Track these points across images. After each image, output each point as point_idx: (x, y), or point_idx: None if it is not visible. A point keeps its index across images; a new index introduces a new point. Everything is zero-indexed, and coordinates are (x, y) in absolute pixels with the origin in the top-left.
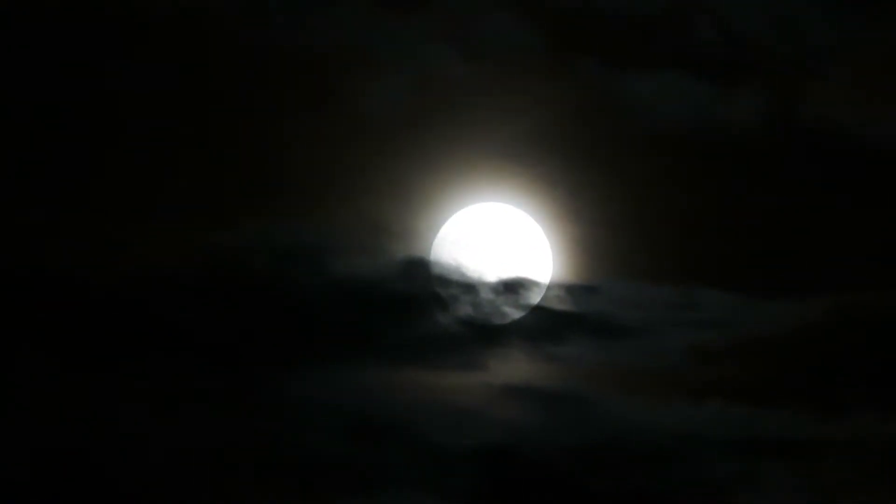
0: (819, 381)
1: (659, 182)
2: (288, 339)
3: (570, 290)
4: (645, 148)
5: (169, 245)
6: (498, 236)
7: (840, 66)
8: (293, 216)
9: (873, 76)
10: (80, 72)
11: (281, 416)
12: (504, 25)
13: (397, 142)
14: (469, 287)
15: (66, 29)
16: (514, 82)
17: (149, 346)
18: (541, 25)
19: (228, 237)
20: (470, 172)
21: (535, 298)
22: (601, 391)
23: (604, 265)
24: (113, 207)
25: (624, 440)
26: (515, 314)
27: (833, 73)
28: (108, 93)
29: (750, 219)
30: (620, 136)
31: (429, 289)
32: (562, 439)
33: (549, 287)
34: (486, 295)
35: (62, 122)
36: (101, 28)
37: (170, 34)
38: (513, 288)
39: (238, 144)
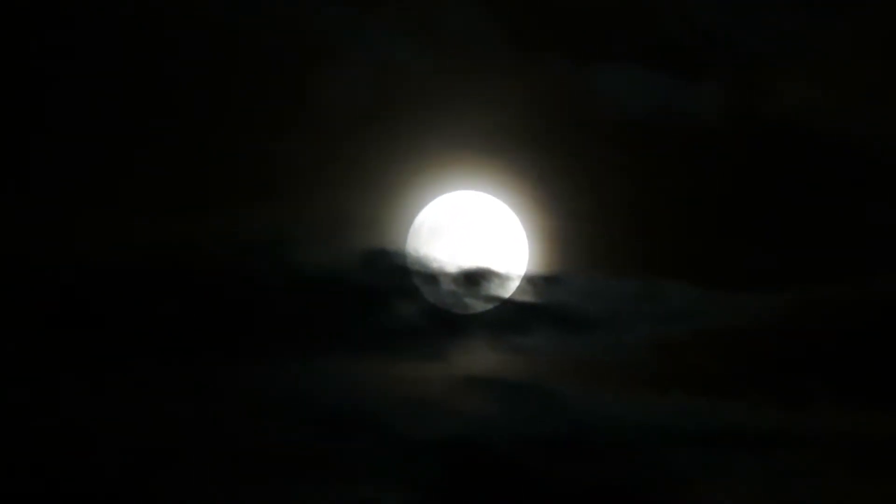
0: (782, 373)
1: (623, 175)
2: (249, 330)
3: (533, 281)
4: (610, 141)
5: (130, 237)
6: (468, 226)
7: (803, 59)
8: (255, 208)
9: (836, 69)
10: (26, 55)
11: (242, 408)
12: (466, 18)
13: (361, 134)
14: (432, 278)
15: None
16: (477, 75)
17: (107, 339)
18: (503, 18)
19: (190, 229)
20: (438, 163)
21: (498, 289)
22: (564, 383)
23: (567, 256)
24: (71, 198)
25: (586, 431)
26: (478, 305)
27: (796, 66)
28: (63, 81)
29: (713, 211)
30: (585, 129)
31: (391, 280)
32: (524, 430)
33: (513, 278)
34: (448, 286)
35: (16, 111)
36: (49, 14)
37: (133, 26)
38: (476, 279)
39: (199, 136)
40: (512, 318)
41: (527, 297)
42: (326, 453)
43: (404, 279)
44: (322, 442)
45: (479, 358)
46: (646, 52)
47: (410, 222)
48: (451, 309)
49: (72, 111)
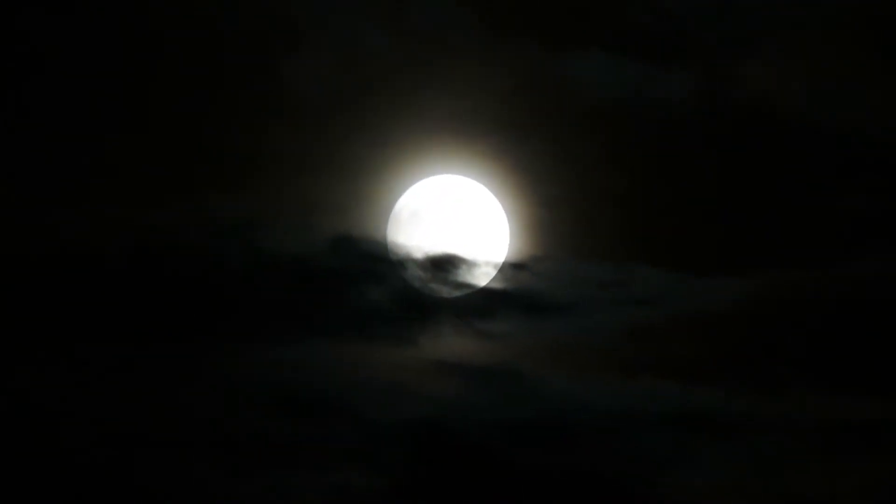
0: (753, 357)
1: (595, 160)
2: (218, 315)
3: (502, 266)
4: (582, 127)
5: (100, 223)
6: (447, 211)
7: (774, 43)
8: (225, 194)
9: (805, 56)
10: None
11: (211, 392)
12: (435, 4)
13: (332, 120)
14: (400, 263)
15: None
16: (447, 61)
17: (80, 325)
18: (473, 4)
19: (160, 215)
20: (416, 148)
21: (467, 275)
22: (534, 367)
23: (539, 241)
24: (41, 186)
25: (556, 416)
26: (448, 291)
27: (767, 51)
28: (32, 73)
29: (684, 196)
30: (558, 115)
31: (362, 265)
32: (494, 415)
33: (483, 264)
34: (418, 272)
35: None
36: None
37: (102, 14)
38: (445, 265)
39: (169, 122)
40: (482, 303)
41: (497, 283)
42: (297, 437)
43: (375, 264)
44: (292, 426)
45: (450, 343)
46: (616, 39)
47: (391, 207)
48: (420, 294)
49: (42, 103)
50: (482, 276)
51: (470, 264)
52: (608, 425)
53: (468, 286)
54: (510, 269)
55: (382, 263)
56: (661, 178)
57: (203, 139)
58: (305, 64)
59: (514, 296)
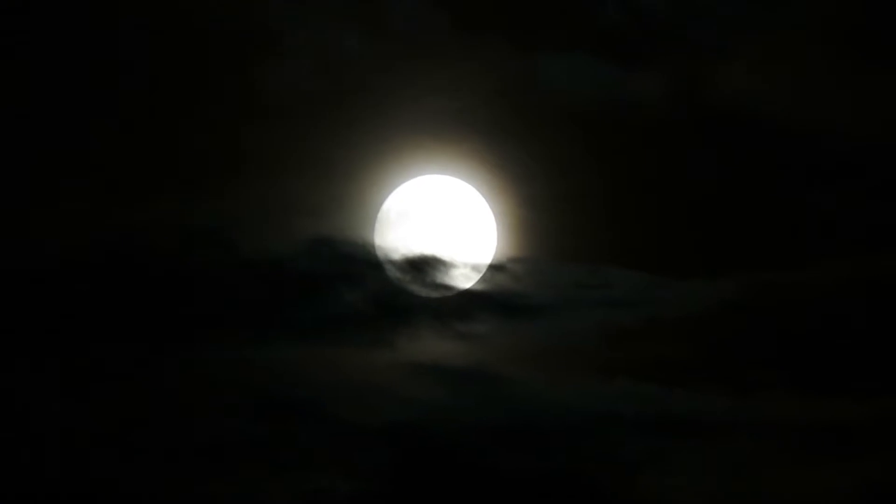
0: (728, 360)
1: (570, 162)
2: (195, 318)
3: (481, 268)
4: (557, 129)
5: (77, 225)
6: (431, 211)
7: (747, 45)
8: (202, 197)
9: (780, 56)
10: None
11: (188, 395)
12: (410, 6)
13: (311, 122)
14: (378, 265)
15: None
16: (423, 63)
17: (55, 326)
18: (447, 6)
19: (137, 216)
20: (396, 149)
21: (445, 277)
22: (511, 369)
23: (517, 242)
24: (20, 187)
25: (533, 418)
26: (425, 292)
27: (740, 52)
28: (7, 71)
29: (660, 198)
30: (536, 117)
31: (338, 267)
32: (471, 417)
33: (461, 265)
34: (395, 273)
35: None
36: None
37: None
38: (423, 266)
39: (147, 125)
40: (460, 304)
41: (475, 284)
42: (273, 440)
43: (353, 267)
44: (269, 429)
45: (427, 345)
46: (589, 41)
47: (372, 209)
48: (397, 296)
49: (19, 103)
50: (460, 278)
51: (448, 266)
52: (585, 427)
53: (446, 288)
54: (488, 270)
55: (360, 265)
56: (637, 179)
57: (181, 141)
58: (283, 67)
59: (493, 297)
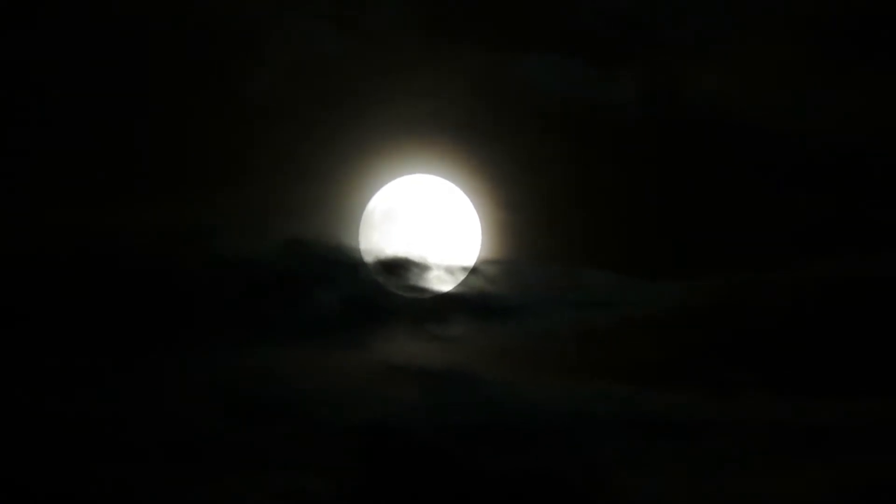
0: (702, 361)
1: (545, 163)
2: (169, 320)
3: (455, 269)
4: (532, 131)
5: (51, 230)
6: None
7: (722, 46)
8: (177, 199)
9: (756, 56)
10: None
11: (162, 396)
12: (387, 9)
13: (285, 125)
14: (354, 267)
15: None
16: (397, 65)
17: (26, 330)
18: (421, 7)
19: (112, 220)
20: (373, 153)
21: (420, 278)
22: (484, 370)
23: (492, 243)
24: None
25: (507, 419)
26: (398, 294)
27: (716, 55)
28: None
29: (635, 199)
30: (512, 118)
31: (313, 269)
32: (444, 418)
33: (436, 267)
34: (370, 275)
35: None
36: None
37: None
38: (398, 268)
39: (123, 129)
40: (435, 306)
41: (450, 286)
42: (248, 441)
43: (328, 268)
44: (243, 430)
45: (402, 346)
46: (563, 42)
47: (350, 211)
48: (371, 298)
49: None
50: (436, 280)
51: (423, 268)
52: (560, 428)
53: (421, 290)
54: (463, 272)
55: (336, 267)
56: (611, 181)
57: (158, 145)
58: (259, 70)
59: (467, 299)
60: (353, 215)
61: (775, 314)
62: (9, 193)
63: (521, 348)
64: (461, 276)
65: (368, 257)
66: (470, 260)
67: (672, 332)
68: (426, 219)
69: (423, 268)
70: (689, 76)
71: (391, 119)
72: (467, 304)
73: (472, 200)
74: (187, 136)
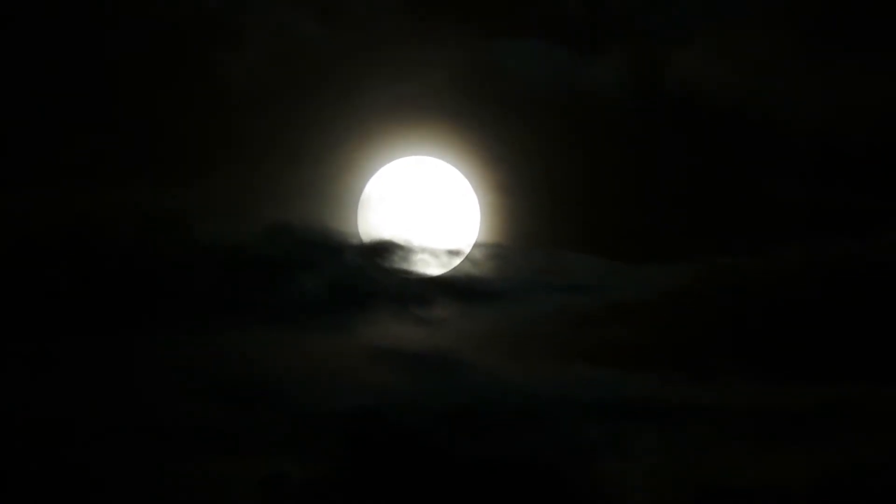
0: (687, 345)
1: (528, 148)
2: (151, 304)
3: (440, 253)
4: (515, 116)
5: (34, 212)
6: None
7: (704, 33)
8: (160, 183)
9: (738, 44)
10: None
11: (146, 380)
12: None
13: (266, 109)
14: (338, 250)
15: None
16: (381, 50)
17: (12, 312)
18: None
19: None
20: (353, 137)
21: (403, 262)
22: (470, 354)
23: (478, 227)
24: None
25: (492, 403)
26: (383, 278)
27: (698, 40)
28: None
29: (619, 184)
30: (491, 104)
31: (296, 253)
32: (429, 402)
33: (419, 250)
34: (353, 258)
35: None
36: None
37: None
38: (382, 251)
39: (107, 112)
40: (417, 290)
41: (434, 269)
42: (231, 426)
43: (311, 252)
44: (227, 415)
45: (387, 330)
46: (547, 27)
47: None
48: (356, 282)
49: None
50: (421, 263)
51: (408, 251)
52: (544, 411)
53: (406, 273)
54: (447, 255)
55: (320, 250)
56: (594, 165)
57: (143, 128)
58: (241, 53)
59: (453, 283)
60: (344, 199)
61: (758, 299)
62: None
63: (505, 332)
64: (447, 260)
65: (357, 240)
66: (456, 243)
67: (658, 316)
68: (422, 201)
69: (408, 251)
70: (671, 62)
71: (375, 103)
72: (452, 287)
73: (470, 182)
74: (169, 122)
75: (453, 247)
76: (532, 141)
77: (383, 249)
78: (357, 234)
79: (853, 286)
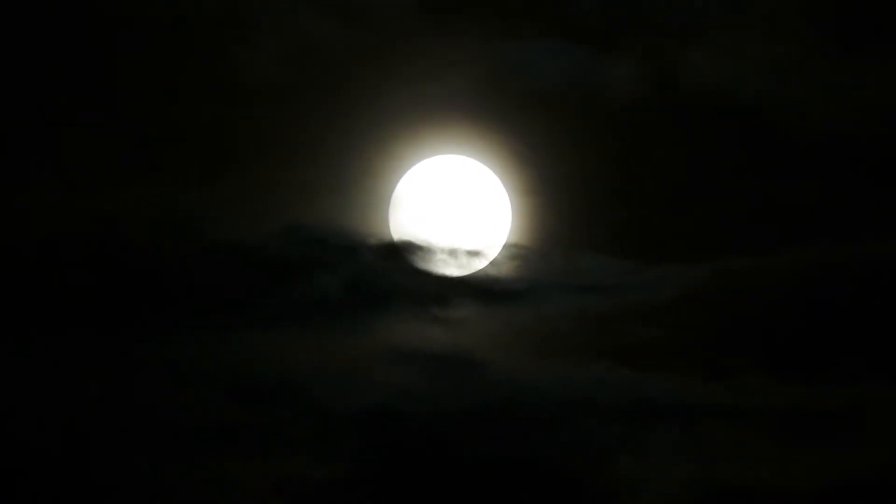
0: (703, 346)
1: (545, 149)
2: (169, 304)
3: (458, 253)
4: (531, 116)
5: (47, 212)
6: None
7: (718, 32)
8: (175, 183)
9: (753, 41)
10: None
11: (163, 381)
12: None
13: (284, 109)
14: (354, 250)
15: None
16: (399, 50)
17: (25, 313)
18: None
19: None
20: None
21: (423, 262)
22: (487, 355)
23: (504, 228)
24: None
25: (509, 404)
26: (403, 278)
27: (711, 39)
28: None
29: (634, 184)
30: (508, 104)
31: (314, 252)
32: (448, 403)
33: (439, 250)
34: (372, 259)
35: None
36: None
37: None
38: (400, 252)
39: (120, 110)
40: (435, 290)
41: (452, 270)
42: (249, 426)
43: (329, 252)
44: (245, 415)
45: (405, 330)
46: (560, 26)
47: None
48: (374, 282)
49: None
50: (440, 264)
51: (427, 251)
52: (561, 412)
53: (424, 273)
54: (467, 256)
55: (337, 250)
56: (609, 165)
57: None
58: (257, 54)
59: (471, 283)
60: (374, 198)
61: (775, 299)
62: (7, 177)
63: (524, 333)
64: (467, 261)
65: (379, 241)
66: (476, 244)
67: (675, 317)
68: (453, 201)
69: (428, 251)
70: (685, 61)
71: (397, 103)
72: (472, 288)
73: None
74: (187, 123)
75: (473, 247)
76: (550, 141)
77: (403, 250)
78: (387, 234)
79: (871, 287)
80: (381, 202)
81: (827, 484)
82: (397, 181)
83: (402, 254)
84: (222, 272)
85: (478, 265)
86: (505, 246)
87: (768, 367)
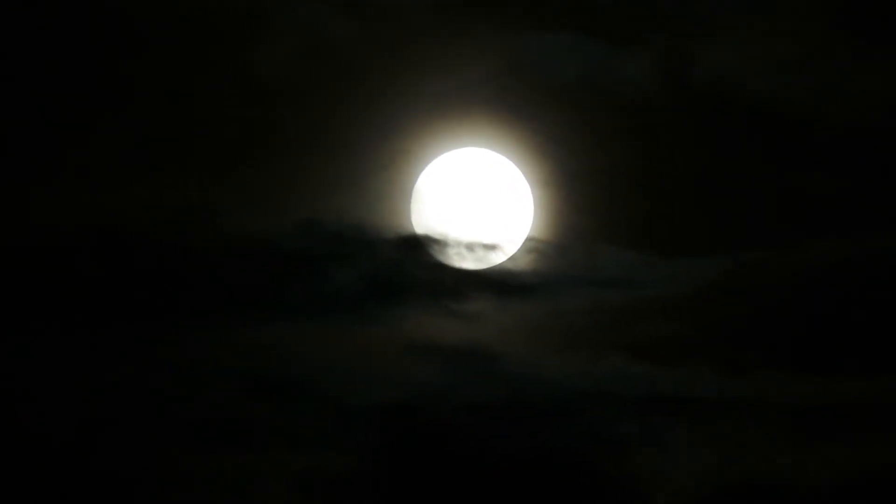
0: (719, 339)
1: (561, 143)
2: (187, 298)
3: (475, 246)
4: (548, 110)
5: (65, 207)
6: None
7: (735, 26)
8: (193, 178)
9: (768, 36)
10: None
11: (180, 375)
12: None
13: (301, 104)
14: (370, 244)
15: None
16: (415, 45)
17: (41, 306)
18: None
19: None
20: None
21: (439, 256)
22: (504, 349)
23: (525, 221)
24: (7, 170)
25: (525, 397)
26: (419, 272)
27: (728, 33)
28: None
29: (650, 178)
30: (524, 98)
31: (331, 247)
32: (464, 396)
33: (452, 244)
34: (388, 252)
35: None
36: None
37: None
38: (417, 245)
39: (139, 107)
40: (451, 284)
41: (469, 263)
42: (266, 420)
43: (346, 246)
44: (262, 409)
45: (421, 324)
46: (578, 20)
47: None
48: (390, 275)
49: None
50: (456, 257)
51: (443, 245)
52: (577, 406)
53: (441, 267)
54: (483, 249)
55: (354, 244)
56: (626, 159)
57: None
58: (272, 48)
59: (487, 277)
60: (395, 192)
61: (791, 293)
62: (23, 173)
63: (540, 326)
64: (483, 254)
65: (396, 234)
66: (492, 238)
67: (691, 310)
68: (474, 194)
69: (444, 245)
70: (702, 55)
71: (415, 98)
72: (488, 281)
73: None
74: (202, 117)
75: (491, 241)
76: (568, 134)
77: (421, 243)
78: (408, 227)
79: (887, 280)
80: (403, 196)
81: (844, 478)
82: (418, 174)
83: (419, 247)
84: (242, 267)
85: (495, 259)
86: (524, 240)
87: (785, 361)
